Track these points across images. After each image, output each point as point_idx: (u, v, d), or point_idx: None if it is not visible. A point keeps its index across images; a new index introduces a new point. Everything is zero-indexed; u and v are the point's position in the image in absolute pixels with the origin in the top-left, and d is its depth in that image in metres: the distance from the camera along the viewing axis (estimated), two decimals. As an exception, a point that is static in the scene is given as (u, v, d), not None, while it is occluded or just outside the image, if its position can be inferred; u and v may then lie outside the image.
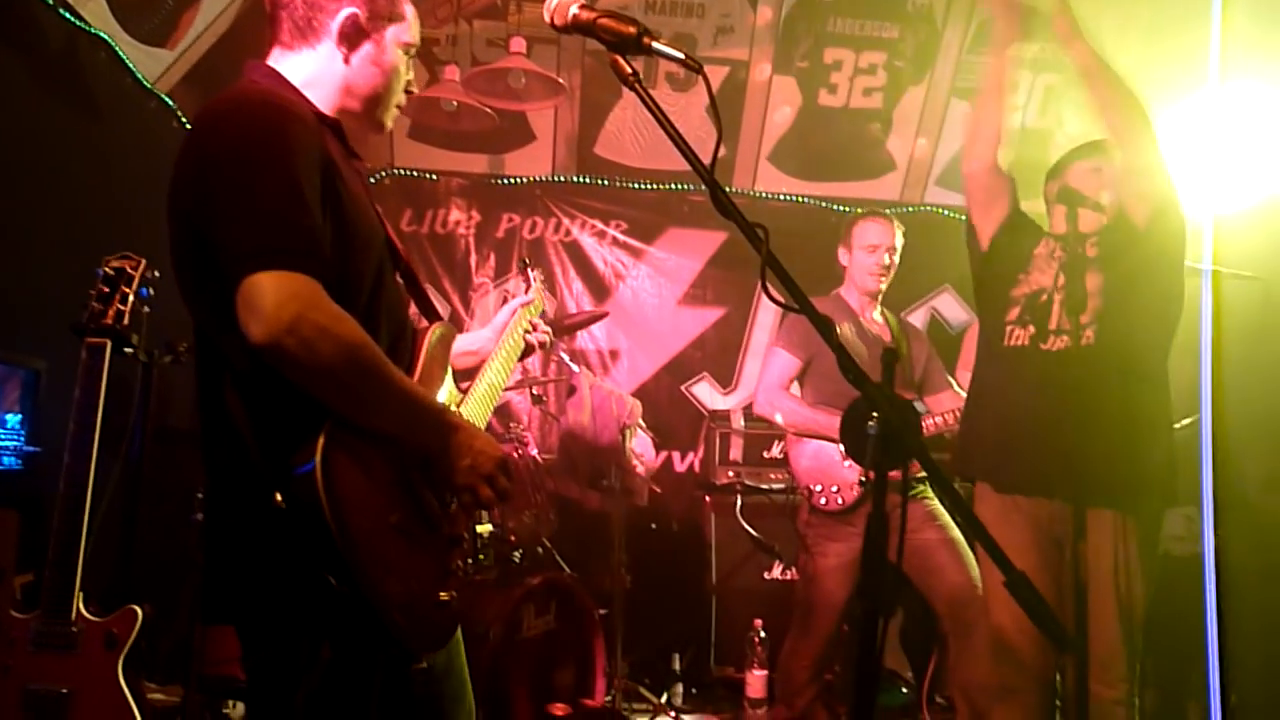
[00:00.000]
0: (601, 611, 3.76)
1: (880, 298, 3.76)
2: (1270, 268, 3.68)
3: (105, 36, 3.82)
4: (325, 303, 1.43)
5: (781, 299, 1.41)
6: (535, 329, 2.12)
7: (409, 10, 1.80)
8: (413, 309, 1.86)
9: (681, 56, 1.50)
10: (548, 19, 1.59)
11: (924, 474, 3.16)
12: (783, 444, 4.64)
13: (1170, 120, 3.95)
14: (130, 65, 4.02)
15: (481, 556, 3.55)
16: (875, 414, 1.37)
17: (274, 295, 1.39)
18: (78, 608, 2.53)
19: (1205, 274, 3.54)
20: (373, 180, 5.15)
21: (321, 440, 1.41)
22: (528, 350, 2.11)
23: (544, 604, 3.51)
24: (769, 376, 3.75)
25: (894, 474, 1.41)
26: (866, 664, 1.44)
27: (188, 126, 4.33)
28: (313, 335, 1.39)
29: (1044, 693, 2.59)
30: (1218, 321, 3.56)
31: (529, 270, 2.22)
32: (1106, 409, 2.47)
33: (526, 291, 2.17)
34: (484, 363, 2.00)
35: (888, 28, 4.97)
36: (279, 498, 1.41)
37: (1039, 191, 2.90)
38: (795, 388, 3.81)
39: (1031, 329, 2.65)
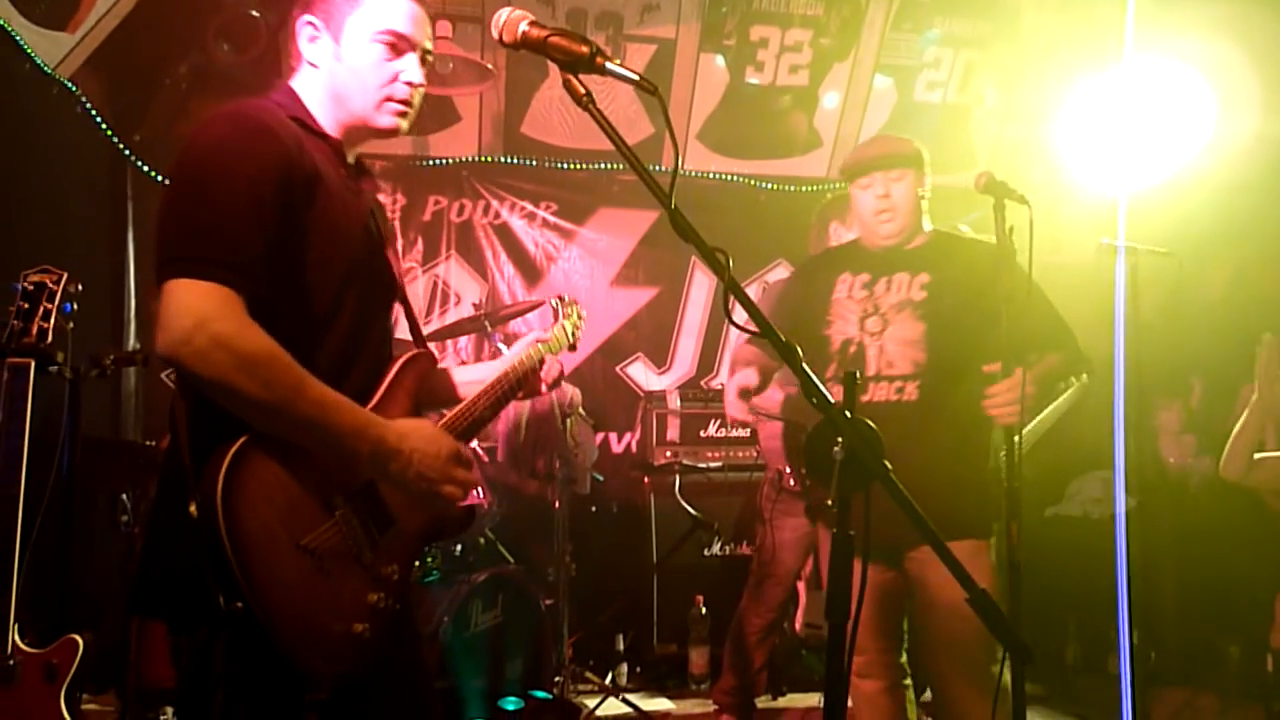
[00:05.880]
0: (547, 601, 3.77)
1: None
2: (1182, 243, 3.80)
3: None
4: (232, 314, 1.42)
5: (742, 324, 1.42)
6: (544, 365, 1.95)
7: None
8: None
9: (637, 78, 1.49)
10: (496, 35, 1.56)
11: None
12: (719, 423, 4.71)
13: (1084, 95, 4.06)
14: (28, 50, 3.82)
15: (431, 561, 3.51)
16: (839, 439, 1.39)
17: (177, 304, 1.41)
18: (13, 640, 2.42)
19: (1120, 250, 3.66)
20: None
21: (230, 453, 1.40)
22: (530, 387, 1.94)
23: (490, 598, 3.50)
24: None
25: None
26: (834, 682, 1.48)
27: (92, 112, 4.15)
28: (207, 346, 1.39)
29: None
30: (1134, 296, 3.69)
31: (560, 306, 2.12)
32: (931, 462, 2.34)
33: (553, 326, 2.06)
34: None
35: (812, 5, 4.98)
36: (193, 507, 1.40)
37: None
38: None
39: None
